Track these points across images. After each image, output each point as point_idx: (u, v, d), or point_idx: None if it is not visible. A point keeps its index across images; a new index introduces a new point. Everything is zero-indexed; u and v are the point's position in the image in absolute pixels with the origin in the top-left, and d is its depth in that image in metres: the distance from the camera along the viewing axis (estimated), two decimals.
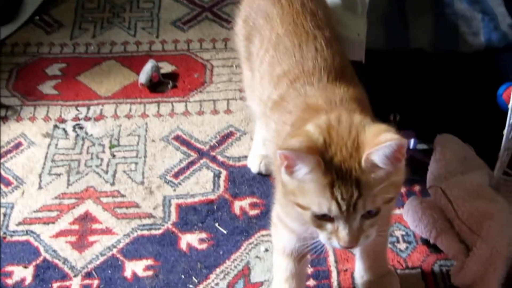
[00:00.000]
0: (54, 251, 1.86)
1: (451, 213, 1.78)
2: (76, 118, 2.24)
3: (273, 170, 1.58)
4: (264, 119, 1.63)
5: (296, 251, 1.54)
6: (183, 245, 1.86)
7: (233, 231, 1.89)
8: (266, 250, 1.84)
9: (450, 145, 1.95)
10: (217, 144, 2.14)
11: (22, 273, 1.81)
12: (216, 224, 1.91)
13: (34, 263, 1.83)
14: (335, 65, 1.53)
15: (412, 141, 1.94)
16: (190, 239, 1.88)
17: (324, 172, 1.21)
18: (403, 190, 1.93)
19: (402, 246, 1.83)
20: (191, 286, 1.77)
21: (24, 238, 1.89)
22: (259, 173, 2.02)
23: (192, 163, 2.09)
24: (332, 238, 1.28)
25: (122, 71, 2.42)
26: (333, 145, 1.23)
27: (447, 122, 2.06)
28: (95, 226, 1.92)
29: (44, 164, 2.09)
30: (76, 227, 1.92)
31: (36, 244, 1.88)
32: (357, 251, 1.70)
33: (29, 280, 1.79)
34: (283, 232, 1.53)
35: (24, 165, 2.09)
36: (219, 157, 2.10)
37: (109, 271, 1.81)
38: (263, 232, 1.87)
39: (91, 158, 2.11)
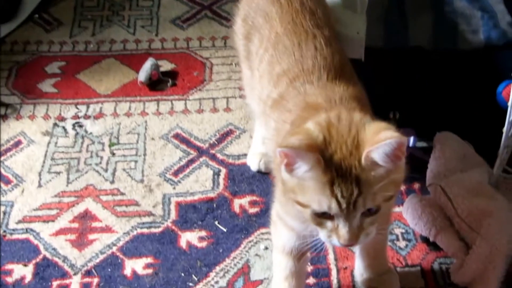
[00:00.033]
0: (54, 249, 1.86)
1: (451, 211, 1.78)
2: (75, 116, 2.24)
3: (272, 169, 1.58)
4: (264, 118, 1.63)
5: (296, 249, 1.54)
6: (182, 243, 1.86)
7: (233, 229, 1.89)
8: (266, 248, 1.84)
9: (449, 143, 1.95)
10: (216, 142, 2.14)
11: (22, 271, 1.81)
12: (216, 222, 1.91)
13: (34, 261, 1.83)
14: (334, 63, 1.53)
15: (411, 139, 1.94)
16: (190, 237, 1.88)
17: (324, 170, 1.21)
18: (402, 188, 1.93)
19: (402, 244, 1.84)
20: (190, 284, 1.77)
21: (24, 236, 1.89)
22: (259, 171, 2.02)
23: (191, 161, 2.09)
24: (332, 236, 1.29)
25: (122, 69, 2.42)
26: (333, 143, 1.23)
27: (446, 120, 2.06)
28: (95, 224, 1.92)
29: (44, 162, 2.09)
30: (75, 225, 1.92)
31: (36, 242, 1.88)
32: (357, 249, 1.70)
33: (29, 278, 1.79)
34: (283, 230, 1.53)
35: (23, 163, 2.09)
36: (219, 155, 2.10)
37: (109, 269, 1.81)
38: (263, 230, 1.88)
39: (91, 156, 2.11)
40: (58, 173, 2.06)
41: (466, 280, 1.71)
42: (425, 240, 1.83)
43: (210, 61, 2.44)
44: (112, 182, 2.03)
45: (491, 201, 1.76)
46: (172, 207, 1.95)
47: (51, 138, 2.17)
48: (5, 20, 2.55)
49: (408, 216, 1.84)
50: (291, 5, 1.67)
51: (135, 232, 1.89)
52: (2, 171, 2.07)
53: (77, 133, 2.19)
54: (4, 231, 1.90)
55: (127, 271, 1.80)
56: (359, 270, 1.72)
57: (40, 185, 2.03)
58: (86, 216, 1.94)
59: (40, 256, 1.84)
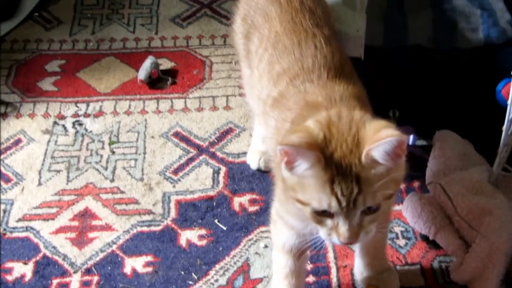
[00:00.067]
0: (54, 247, 1.86)
1: (451, 209, 1.78)
2: (75, 115, 2.24)
3: (272, 167, 1.58)
4: (263, 117, 1.63)
5: (296, 247, 1.54)
6: (182, 241, 1.87)
7: (233, 228, 1.89)
8: (266, 246, 1.84)
9: (449, 141, 1.95)
10: (216, 141, 2.14)
11: (22, 269, 1.81)
12: (216, 221, 1.91)
13: (34, 260, 1.83)
14: (334, 62, 1.53)
15: (411, 137, 1.94)
16: (190, 236, 1.88)
17: (324, 168, 1.22)
18: (402, 186, 1.94)
19: (402, 242, 1.84)
20: (190, 282, 1.77)
21: (24, 234, 1.89)
22: (259, 170, 2.02)
23: (191, 159, 2.09)
24: (332, 234, 1.29)
25: (121, 68, 2.42)
26: (333, 141, 1.23)
27: (446, 118, 2.07)
28: (95, 222, 1.92)
29: (44, 160, 2.09)
30: (75, 223, 1.92)
31: (36, 240, 1.88)
32: (356, 247, 1.71)
33: (29, 276, 1.79)
34: (283, 229, 1.53)
35: (23, 161, 2.09)
36: (219, 154, 2.10)
37: (109, 268, 1.81)
38: (263, 229, 1.88)
39: (91, 155, 2.11)
40: (58, 171, 2.06)
41: (466, 278, 1.71)
42: (425, 238, 1.83)
43: (210, 59, 2.44)
44: (112, 180, 2.03)
45: (490, 200, 1.76)
46: (172, 205, 1.96)
47: (51, 136, 2.17)
48: (5, 18, 2.55)
49: (408, 215, 1.85)
50: (291, 4, 1.67)
51: (135, 231, 1.89)
52: (2, 169, 2.07)
53: (77, 132, 2.19)
54: (4, 229, 1.90)
55: (127, 269, 1.80)
56: (359, 268, 1.72)
57: (40, 184, 2.03)
58: (86, 214, 1.94)
59: (40, 254, 1.84)
